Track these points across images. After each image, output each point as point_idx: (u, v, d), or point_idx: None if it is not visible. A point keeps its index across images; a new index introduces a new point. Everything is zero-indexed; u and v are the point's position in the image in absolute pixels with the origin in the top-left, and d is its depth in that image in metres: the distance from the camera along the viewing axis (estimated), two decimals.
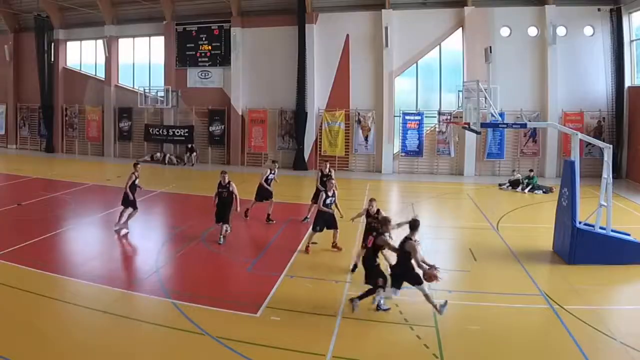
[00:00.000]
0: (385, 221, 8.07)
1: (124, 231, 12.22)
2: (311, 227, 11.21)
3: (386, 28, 22.19)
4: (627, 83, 20.86)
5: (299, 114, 23.45)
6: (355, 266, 9.61)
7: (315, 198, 12.78)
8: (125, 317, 7.57)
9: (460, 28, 22.11)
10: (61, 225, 12.86)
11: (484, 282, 9.41)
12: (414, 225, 7.72)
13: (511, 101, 20.98)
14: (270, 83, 24.42)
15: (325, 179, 12.68)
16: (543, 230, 12.16)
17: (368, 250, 8.13)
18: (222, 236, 11.50)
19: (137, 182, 12.34)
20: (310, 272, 9.81)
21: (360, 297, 7.90)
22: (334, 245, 11.10)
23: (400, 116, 22.91)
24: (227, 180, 11.63)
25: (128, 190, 12.19)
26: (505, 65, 20.95)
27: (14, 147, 29.95)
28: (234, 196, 11.61)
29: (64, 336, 7.03)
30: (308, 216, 13.45)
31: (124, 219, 12.35)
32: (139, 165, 12.69)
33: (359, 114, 23.22)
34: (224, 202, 11.62)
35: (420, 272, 7.62)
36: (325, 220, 11.04)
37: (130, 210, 12.40)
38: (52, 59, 28.21)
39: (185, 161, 25.26)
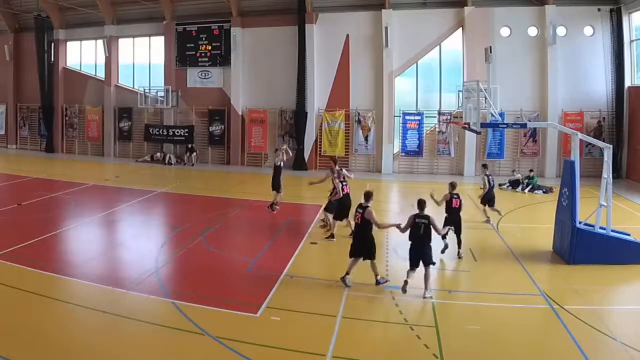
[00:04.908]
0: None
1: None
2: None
3: (386, 28, 22.20)
4: (627, 83, 20.86)
5: (299, 114, 23.45)
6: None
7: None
8: (125, 317, 7.55)
9: (460, 28, 22.11)
10: (61, 225, 12.85)
11: (484, 282, 9.40)
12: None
13: (511, 101, 20.98)
14: (270, 83, 24.43)
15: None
16: (543, 230, 12.16)
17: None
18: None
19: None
20: (310, 272, 9.82)
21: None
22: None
23: (400, 116, 22.91)
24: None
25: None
26: (505, 65, 20.93)
27: (14, 147, 29.94)
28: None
29: (64, 336, 7.03)
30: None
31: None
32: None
33: (359, 114, 23.22)
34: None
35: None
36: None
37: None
38: (52, 59, 28.17)
39: (185, 161, 25.27)
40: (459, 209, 10.83)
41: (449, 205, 10.83)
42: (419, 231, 8.62)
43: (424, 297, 8.37)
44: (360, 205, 8.94)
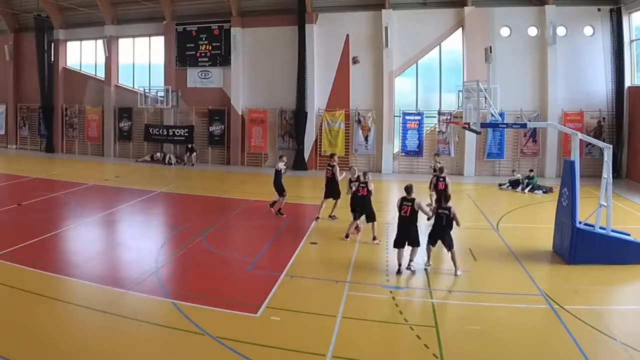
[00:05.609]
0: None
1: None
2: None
3: (386, 28, 22.19)
4: (627, 83, 20.84)
5: (299, 114, 23.45)
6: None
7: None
8: (125, 317, 7.56)
9: (460, 28, 22.10)
10: (61, 225, 12.84)
11: (484, 282, 9.40)
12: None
13: (511, 101, 20.94)
14: (270, 83, 24.42)
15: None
16: (543, 230, 12.15)
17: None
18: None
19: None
20: (310, 272, 9.81)
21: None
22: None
23: (400, 116, 22.92)
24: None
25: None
26: (505, 65, 20.90)
27: (14, 147, 29.95)
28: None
29: (64, 336, 7.03)
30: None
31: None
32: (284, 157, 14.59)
33: (359, 114, 23.22)
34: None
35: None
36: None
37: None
38: (52, 59, 28.15)
39: (185, 161, 25.27)
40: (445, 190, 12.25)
41: (435, 187, 12.68)
42: (441, 220, 9.60)
43: (456, 275, 9.40)
44: (405, 199, 9.64)
